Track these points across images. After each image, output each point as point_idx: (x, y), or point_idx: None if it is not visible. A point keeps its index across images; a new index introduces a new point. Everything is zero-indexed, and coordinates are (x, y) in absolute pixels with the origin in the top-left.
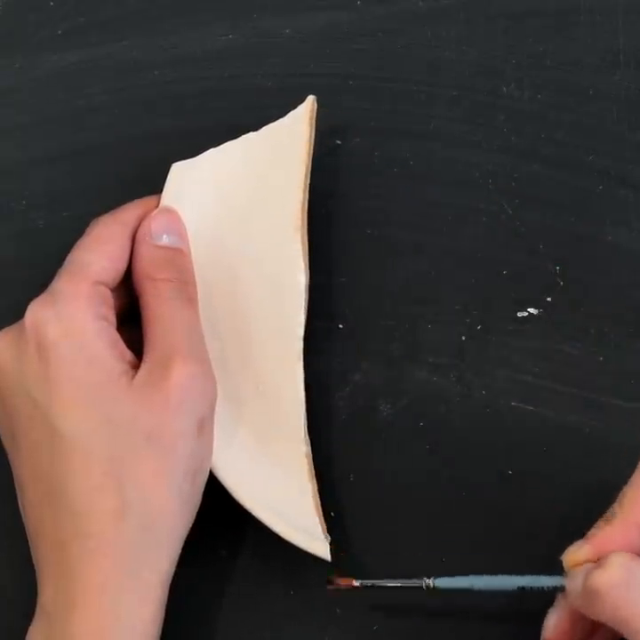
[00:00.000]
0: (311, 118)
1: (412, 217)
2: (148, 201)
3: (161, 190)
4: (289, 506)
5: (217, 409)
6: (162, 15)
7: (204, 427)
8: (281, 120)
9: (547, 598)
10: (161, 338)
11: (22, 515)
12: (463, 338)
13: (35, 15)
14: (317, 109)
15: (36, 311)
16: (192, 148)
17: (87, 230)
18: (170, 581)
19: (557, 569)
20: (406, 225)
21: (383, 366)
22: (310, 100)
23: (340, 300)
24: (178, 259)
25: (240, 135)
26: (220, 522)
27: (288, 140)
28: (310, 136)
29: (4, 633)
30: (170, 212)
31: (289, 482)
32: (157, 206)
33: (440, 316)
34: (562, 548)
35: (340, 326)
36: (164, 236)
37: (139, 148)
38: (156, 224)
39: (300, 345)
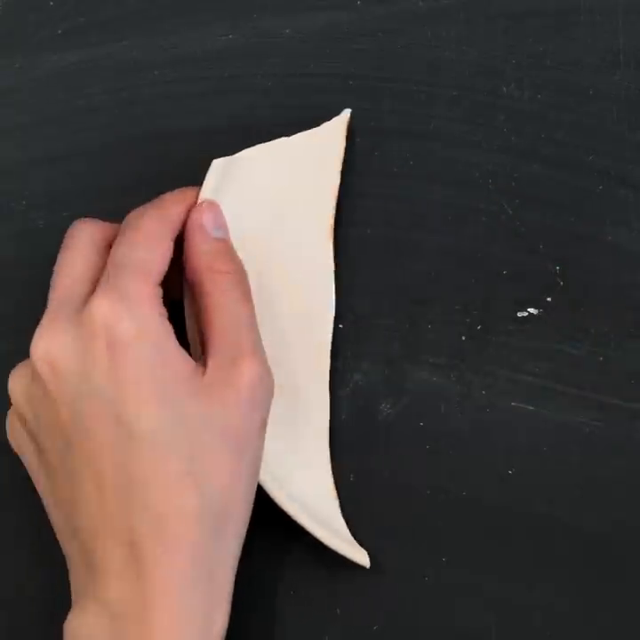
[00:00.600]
0: (344, 129)
1: (412, 217)
2: (187, 193)
3: (160, 191)
4: (321, 509)
5: None
6: (162, 15)
7: (265, 427)
8: (317, 129)
9: None
10: (227, 334)
11: (59, 513)
12: (463, 338)
13: (35, 15)
14: (350, 122)
15: (106, 311)
16: (192, 148)
17: (131, 223)
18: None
19: (557, 569)
20: (406, 225)
21: (383, 366)
22: (347, 113)
23: (340, 300)
24: (233, 252)
25: (240, 136)
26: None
27: (325, 149)
28: (344, 147)
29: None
30: (215, 205)
31: (319, 485)
32: (196, 200)
33: (440, 315)
34: (562, 547)
35: (340, 326)
36: (215, 230)
37: (139, 148)
38: (209, 217)
39: (328, 347)
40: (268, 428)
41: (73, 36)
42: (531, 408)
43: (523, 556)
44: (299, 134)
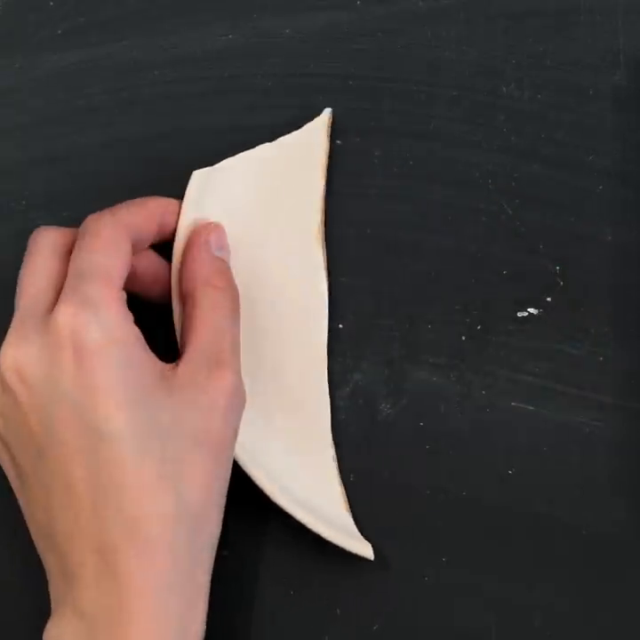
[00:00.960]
0: (327, 129)
1: (412, 217)
2: (146, 202)
3: (160, 191)
4: (324, 508)
5: (250, 417)
6: (162, 15)
7: (236, 436)
8: (297, 132)
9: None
10: (209, 343)
11: (35, 521)
12: (463, 338)
13: (35, 15)
14: (332, 121)
15: (72, 317)
16: (192, 148)
17: (89, 230)
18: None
19: (557, 568)
20: (406, 225)
21: (383, 366)
22: (327, 113)
23: (340, 300)
24: (230, 274)
25: (240, 136)
26: (222, 523)
27: (306, 151)
28: (327, 148)
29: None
30: (221, 227)
31: (321, 485)
32: (157, 208)
33: (440, 315)
34: (562, 547)
35: (340, 326)
36: (218, 250)
37: (139, 148)
38: (215, 237)
39: (324, 352)
40: (268, 428)
41: (73, 36)
42: (531, 408)
43: (523, 555)
44: (280, 138)
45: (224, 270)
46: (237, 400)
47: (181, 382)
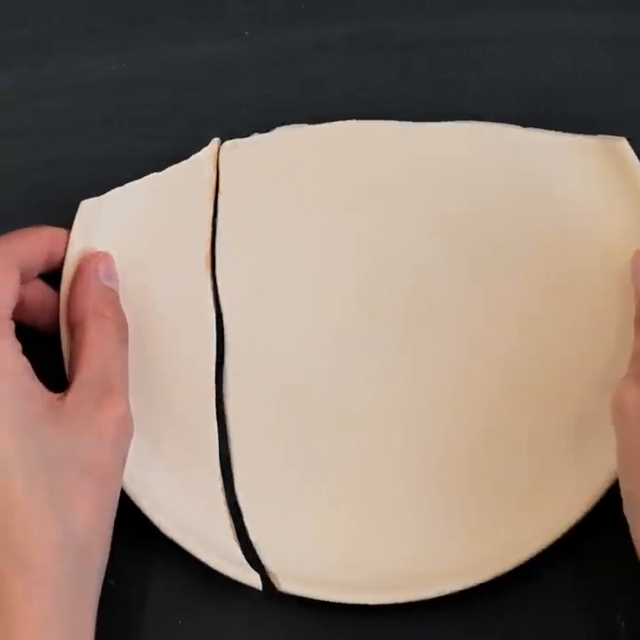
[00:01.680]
0: (214, 160)
1: None
2: (34, 232)
3: (49, 220)
4: (213, 537)
5: (138, 446)
6: (50, 44)
7: (124, 465)
8: (186, 162)
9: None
10: (97, 372)
11: None
12: None
13: None
14: (218, 150)
15: None
16: (80, 178)
17: None
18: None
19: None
20: None
21: None
22: (215, 143)
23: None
24: (118, 303)
25: (129, 165)
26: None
27: (194, 181)
28: (215, 177)
29: None
30: (110, 257)
31: (209, 515)
32: (45, 237)
33: None
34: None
35: None
36: (106, 279)
37: (26, 178)
38: (103, 266)
39: (212, 382)
40: (156, 458)
41: None
42: None
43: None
44: (169, 168)
45: (112, 300)
46: (125, 429)
47: (70, 412)
